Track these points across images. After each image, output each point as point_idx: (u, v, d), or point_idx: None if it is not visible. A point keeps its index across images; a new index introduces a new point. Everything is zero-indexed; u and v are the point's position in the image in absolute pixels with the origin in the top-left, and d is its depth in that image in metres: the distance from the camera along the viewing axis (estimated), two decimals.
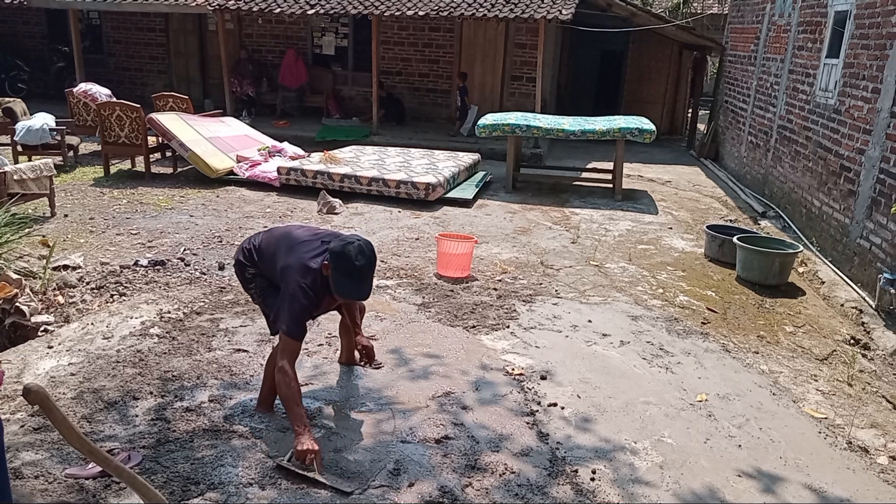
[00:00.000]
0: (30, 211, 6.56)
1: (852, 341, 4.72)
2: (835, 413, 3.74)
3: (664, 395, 3.79)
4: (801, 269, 6.15)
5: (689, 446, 3.30)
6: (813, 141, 7.05)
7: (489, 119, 8.82)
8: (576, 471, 3.05)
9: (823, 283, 5.75)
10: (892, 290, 4.89)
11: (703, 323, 4.85)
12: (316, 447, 2.86)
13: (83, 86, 9.68)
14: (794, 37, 8.15)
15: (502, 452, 3.16)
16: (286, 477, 2.85)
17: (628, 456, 3.20)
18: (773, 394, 3.88)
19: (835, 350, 4.57)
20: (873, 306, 5.12)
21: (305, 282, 2.98)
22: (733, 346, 4.50)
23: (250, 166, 8.56)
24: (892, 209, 5.00)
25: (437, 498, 2.81)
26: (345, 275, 2.93)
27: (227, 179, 8.43)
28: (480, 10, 11.08)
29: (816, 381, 4.11)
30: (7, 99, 10.40)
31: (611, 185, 8.79)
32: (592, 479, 3.00)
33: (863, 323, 4.97)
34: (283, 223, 6.84)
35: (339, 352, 3.93)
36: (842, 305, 5.28)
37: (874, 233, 5.45)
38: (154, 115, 8.52)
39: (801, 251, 5.98)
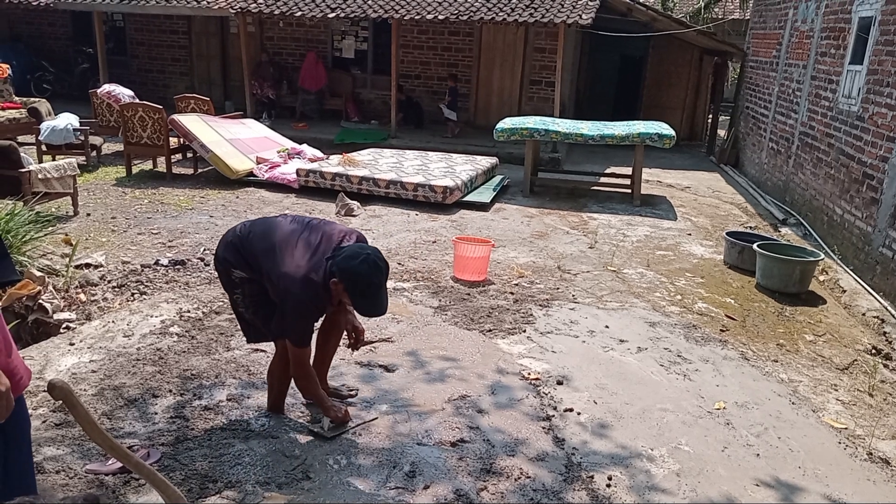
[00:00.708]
0: (53, 209, 6.66)
1: (874, 351, 4.66)
2: (855, 423, 3.69)
3: (681, 402, 3.76)
4: (821, 278, 6.08)
5: (706, 454, 3.28)
6: (835, 148, 6.97)
7: (508, 123, 8.82)
8: (591, 477, 3.04)
9: (845, 291, 5.68)
10: None
11: (721, 330, 4.81)
12: (344, 407, 3.23)
13: (107, 87, 9.82)
14: (816, 43, 8.08)
15: (518, 457, 3.15)
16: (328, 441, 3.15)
17: (645, 463, 3.18)
18: (793, 403, 3.84)
19: (856, 360, 4.51)
20: (895, 316, 5.06)
21: (308, 295, 2.84)
22: (752, 354, 4.46)
23: (270, 168, 8.63)
24: None
25: (452, 501, 2.81)
26: (364, 295, 2.83)
27: (247, 181, 8.50)
28: (500, 14, 11.09)
29: (837, 390, 4.06)
30: (32, 99, 10.60)
31: (629, 191, 8.75)
32: (608, 486, 2.98)
33: (884, 332, 4.90)
34: None
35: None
36: (863, 314, 5.22)
37: None
38: (176, 117, 8.61)
39: (823, 259, 5.92)
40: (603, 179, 9.55)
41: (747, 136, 11.21)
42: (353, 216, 7.31)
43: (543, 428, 3.41)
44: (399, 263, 5.82)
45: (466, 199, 8.06)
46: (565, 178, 9.62)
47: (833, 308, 5.46)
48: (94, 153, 9.06)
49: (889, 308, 5.21)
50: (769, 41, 10.50)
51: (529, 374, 3.96)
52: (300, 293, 2.83)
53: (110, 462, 2.86)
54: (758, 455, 3.30)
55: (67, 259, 5.12)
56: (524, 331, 4.56)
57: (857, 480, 3.17)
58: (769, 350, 4.55)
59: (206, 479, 2.83)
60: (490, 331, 4.52)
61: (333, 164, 8.44)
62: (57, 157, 8.28)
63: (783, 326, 5.00)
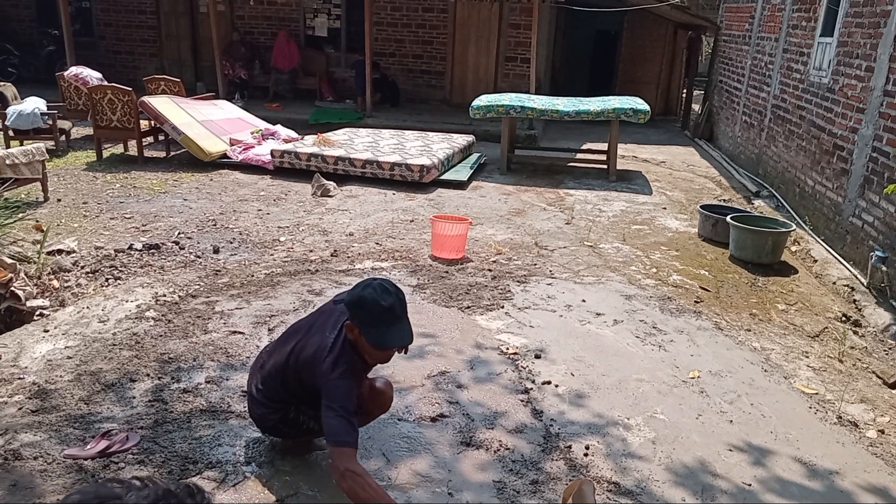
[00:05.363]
0: (23, 196, 6.54)
1: (844, 318, 4.77)
2: (825, 389, 3.78)
3: (657, 372, 3.82)
4: (793, 248, 6.18)
5: (681, 422, 3.35)
6: (806, 120, 7.06)
7: (483, 100, 8.79)
8: (569, 446, 3.09)
9: (816, 261, 5.78)
10: (884, 268, 4.93)
11: (696, 301, 4.89)
12: None
13: (74, 69, 9.60)
14: (788, 15, 8.13)
15: (497, 429, 3.19)
16: None
17: (621, 431, 3.24)
18: (765, 370, 3.92)
19: (826, 327, 4.61)
20: (865, 284, 5.17)
21: (341, 370, 2.47)
22: (726, 323, 4.54)
23: (244, 149, 8.53)
24: (887, 189, 5.01)
25: (432, 475, 2.84)
26: (376, 325, 2.45)
27: (221, 163, 8.39)
28: None
29: (808, 357, 4.16)
30: None
31: (605, 166, 8.79)
32: (586, 455, 3.04)
33: (854, 300, 5.01)
34: (277, 206, 6.84)
35: None
36: (834, 283, 5.33)
37: (866, 211, 5.47)
38: (146, 99, 8.46)
39: (794, 230, 6.02)
40: (579, 156, 9.58)
41: (721, 110, 11.30)
42: (330, 196, 7.27)
43: (522, 400, 3.46)
44: (377, 243, 5.81)
45: (444, 177, 8.04)
46: (542, 155, 9.63)
47: (804, 277, 5.57)
48: (63, 137, 8.87)
49: (859, 276, 5.32)
50: (742, 14, 10.54)
51: (508, 348, 4.00)
52: (331, 373, 2.46)
53: (89, 447, 2.85)
54: (731, 421, 3.38)
55: (39, 245, 5.04)
56: (502, 307, 4.59)
57: (826, 443, 3.26)
58: (742, 320, 4.63)
59: (187, 460, 2.83)
60: (468, 307, 4.55)
61: (308, 145, 8.37)
62: (25, 142, 8.10)
63: (756, 296, 5.09)
